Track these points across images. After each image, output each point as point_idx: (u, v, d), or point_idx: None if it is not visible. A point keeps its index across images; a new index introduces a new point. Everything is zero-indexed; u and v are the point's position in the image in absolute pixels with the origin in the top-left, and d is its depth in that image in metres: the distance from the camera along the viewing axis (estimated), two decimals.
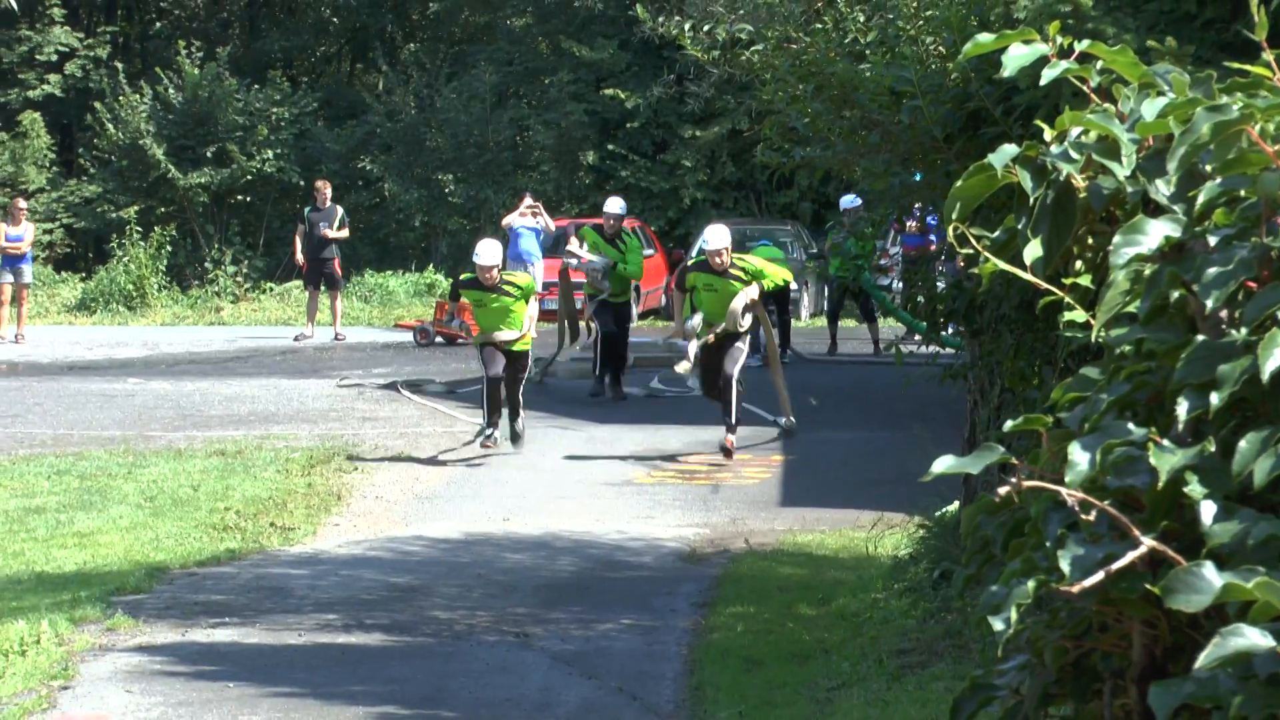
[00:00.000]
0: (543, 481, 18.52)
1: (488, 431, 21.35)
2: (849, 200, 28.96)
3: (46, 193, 44.21)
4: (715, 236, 21.05)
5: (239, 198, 44.71)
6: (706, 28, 16.51)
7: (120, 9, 52.43)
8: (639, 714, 9.60)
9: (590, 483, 18.45)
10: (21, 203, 36.24)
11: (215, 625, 12.07)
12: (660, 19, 20.04)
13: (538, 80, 46.30)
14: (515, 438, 21.51)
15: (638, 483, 18.69)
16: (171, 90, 43.66)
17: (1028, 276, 3.11)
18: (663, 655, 10.98)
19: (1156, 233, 2.97)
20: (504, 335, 21.52)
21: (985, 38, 3.33)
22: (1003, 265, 3.19)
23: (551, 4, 47.68)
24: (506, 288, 21.58)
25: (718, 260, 20.97)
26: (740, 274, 20.28)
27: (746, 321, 21.04)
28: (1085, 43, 3.34)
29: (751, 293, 20.89)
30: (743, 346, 21.24)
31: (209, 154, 43.57)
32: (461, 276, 22.87)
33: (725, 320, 21.34)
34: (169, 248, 42.33)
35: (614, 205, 23.13)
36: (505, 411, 21.67)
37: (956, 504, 11.19)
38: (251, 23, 50.90)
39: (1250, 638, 2.43)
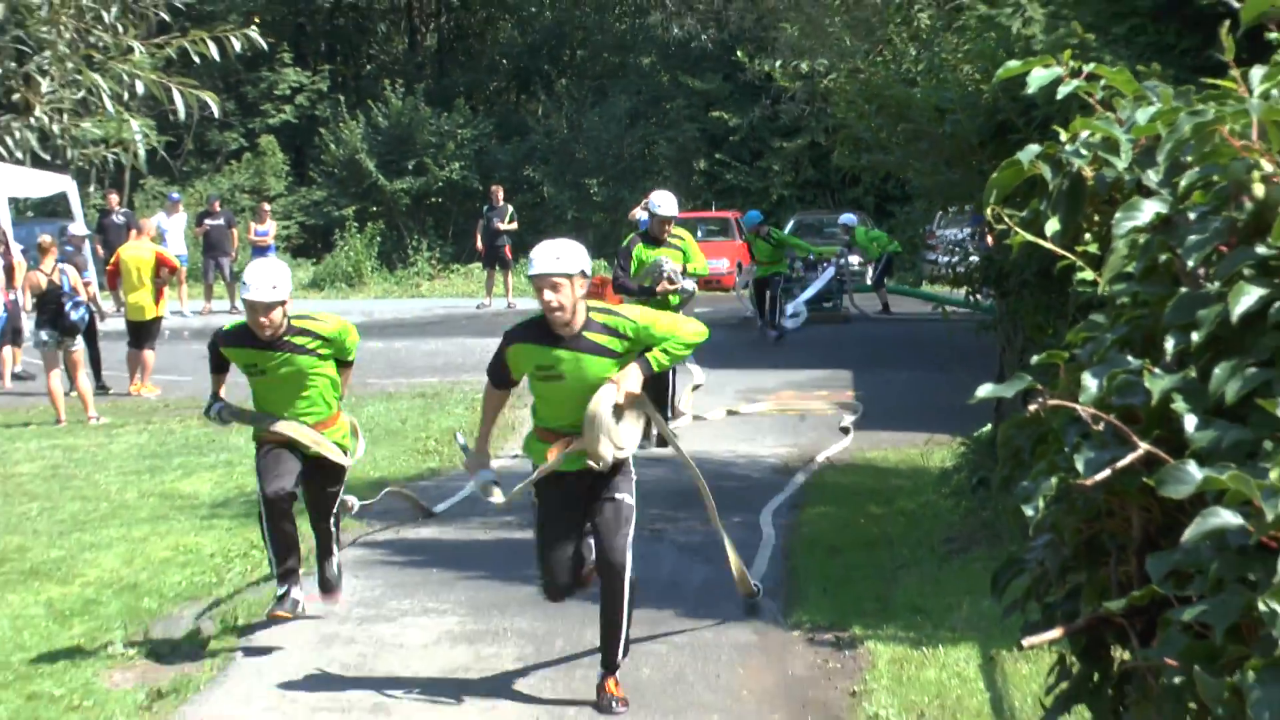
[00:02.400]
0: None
1: (280, 592, 9.33)
2: (847, 217, 31.49)
3: (284, 197, 45.96)
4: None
5: (432, 200, 46.29)
6: (794, 63, 18.13)
7: (338, 54, 53.92)
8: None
9: (709, 419, 18.43)
10: (266, 205, 38.57)
11: (422, 524, 12.62)
12: (755, 59, 21.71)
13: (660, 105, 47.28)
14: (325, 585, 9.80)
15: (743, 414, 18.85)
16: (380, 117, 45.89)
17: (1049, 245, 3.21)
18: (765, 545, 11.28)
19: (1149, 210, 3.03)
20: (289, 429, 9.46)
21: (1014, 64, 3.45)
22: (1029, 237, 3.27)
23: (671, 46, 49.43)
24: (299, 340, 9.45)
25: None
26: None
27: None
28: (1091, 65, 3.44)
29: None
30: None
31: (409, 166, 45.36)
32: (224, 327, 10.28)
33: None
34: (379, 239, 43.81)
35: (669, 205, 15.73)
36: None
37: (990, 425, 11.51)
38: (440, 64, 52.90)
39: (1224, 517, 2.57)
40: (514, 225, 34.12)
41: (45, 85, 6.96)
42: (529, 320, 8.33)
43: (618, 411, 7.88)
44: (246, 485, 13.52)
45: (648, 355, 8.01)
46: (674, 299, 14.35)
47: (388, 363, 24.64)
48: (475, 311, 34.10)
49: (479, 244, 34.89)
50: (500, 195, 34.63)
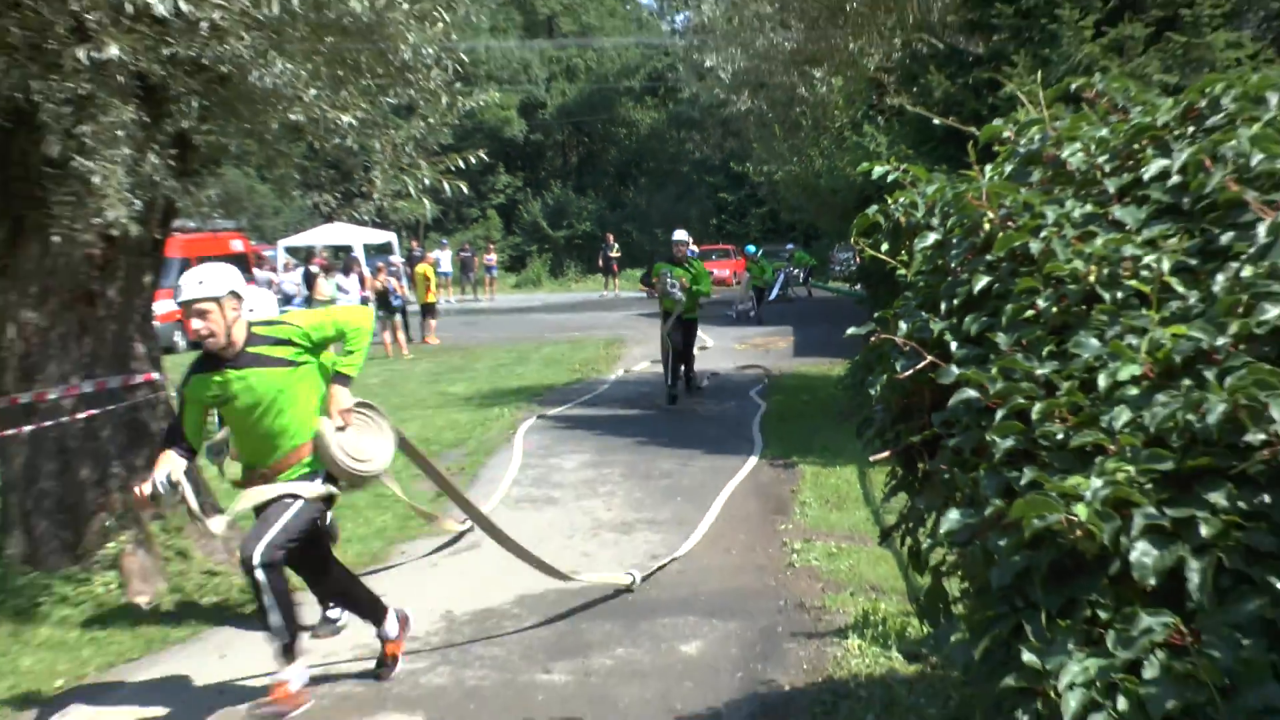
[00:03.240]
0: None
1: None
2: (751, 248, 42.21)
3: (501, 240, 68.24)
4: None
5: (576, 240, 68.36)
6: (761, 167, 32.93)
7: (527, 165, 73.01)
8: (741, 439, 15.83)
9: (719, 353, 26.26)
10: (491, 245, 60.29)
11: (573, 408, 18.79)
12: (742, 166, 42.44)
13: (692, 189, 68.87)
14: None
15: (738, 350, 26.99)
16: (549, 199, 70.54)
17: (884, 258, 4.87)
18: (751, 414, 17.96)
19: (931, 238, 4.50)
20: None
21: (867, 164, 5.29)
22: (875, 254, 5.09)
23: (696, 155, 72.22)
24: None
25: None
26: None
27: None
28: (905, 166, 5.20)
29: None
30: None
31: (564, 224, 69.91)
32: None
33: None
34: (549, 262, 67.34)
35: (681, 235, 19.41)
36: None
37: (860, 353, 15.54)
38: (580, 169, 75.37)
39: (969, 393, 3.83)
40: (618, 254, 53.25)
41: (380, 182, 9.40)
42: (196, 357, 7.20)
43: (349, 430, 7.25)
44: (484, 389, 22.03)
45: (340, 370, 7.23)
46: (666, 302, 18.27)
47: (555, 325, 37.33)
48: (597, 299, 51.41)
49: (600, 263, 55.00)
50: (611, 238, 54.20)
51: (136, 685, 7.65)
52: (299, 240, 42.18)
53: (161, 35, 7.77)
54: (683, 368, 19.70)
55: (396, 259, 39.37)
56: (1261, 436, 3.21)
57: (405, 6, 8.63)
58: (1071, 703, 3.13)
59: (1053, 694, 3.22)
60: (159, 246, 9.90)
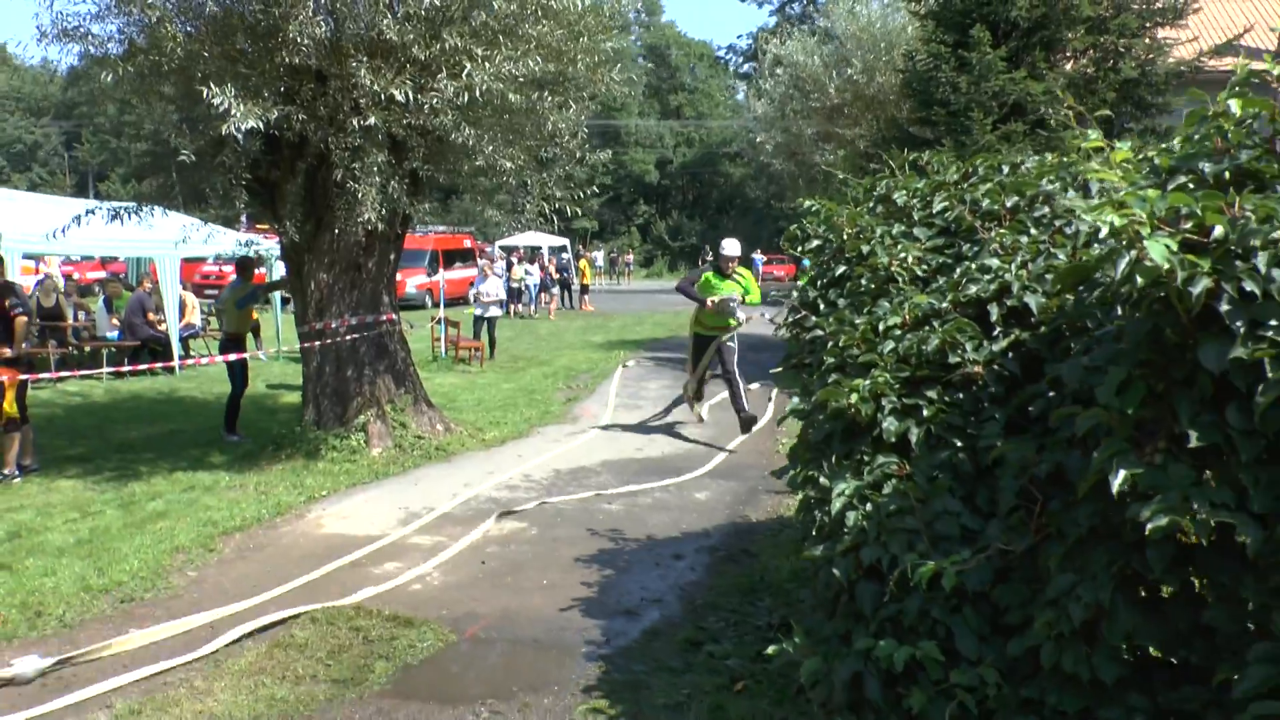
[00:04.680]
0: None
1: None
2: (805, 261, 37.32)
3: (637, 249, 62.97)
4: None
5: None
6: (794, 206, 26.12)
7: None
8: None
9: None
10: (629, 254, 56.83)
11: (664, 352, 16.38)
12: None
13: (748, 215, 62.11)
14: None
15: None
16: (663, 231, 53.41)
17: (796, 254, 5.32)
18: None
19: (815, 243, 4.93)
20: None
21: (800, 199, 5.57)
22: (793, 253, 5.36)
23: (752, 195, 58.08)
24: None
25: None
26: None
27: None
28: (817, 201, 5.36)
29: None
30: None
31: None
32: None
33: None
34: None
35: (732, 248, 11.66)
36: None
37: None
38: (683, 217, 59.42)
39: (817, 331, 4.42)
40: (712, 259, 47.32)
41: (529, 205, 9.78)
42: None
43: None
44: (612, 339, 21.20)
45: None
46: (732, 321, 10.99)
47: (666, 302, 32.73)
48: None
49: (700, 264, 47.62)
50: (708, 248, 47.63)
51: (366, 495, 8.21)
52: (509, 241, 43.57)
53: (401, 111, 8.25)
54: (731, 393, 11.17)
55: (567, 255, 39.69)
56: (956, 359, 3.57)
57: (549, 99, 9.00)
58: (837, 504, 3.54)
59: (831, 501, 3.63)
60: (400, 238, 10.41)
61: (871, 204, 4.97)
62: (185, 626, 5.24)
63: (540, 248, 40.88)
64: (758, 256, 50.58)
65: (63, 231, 8.96)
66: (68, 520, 7.23)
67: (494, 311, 18.23)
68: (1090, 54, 12.50)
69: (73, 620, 5.35)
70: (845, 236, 4.64)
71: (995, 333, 3.63)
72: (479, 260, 36.97)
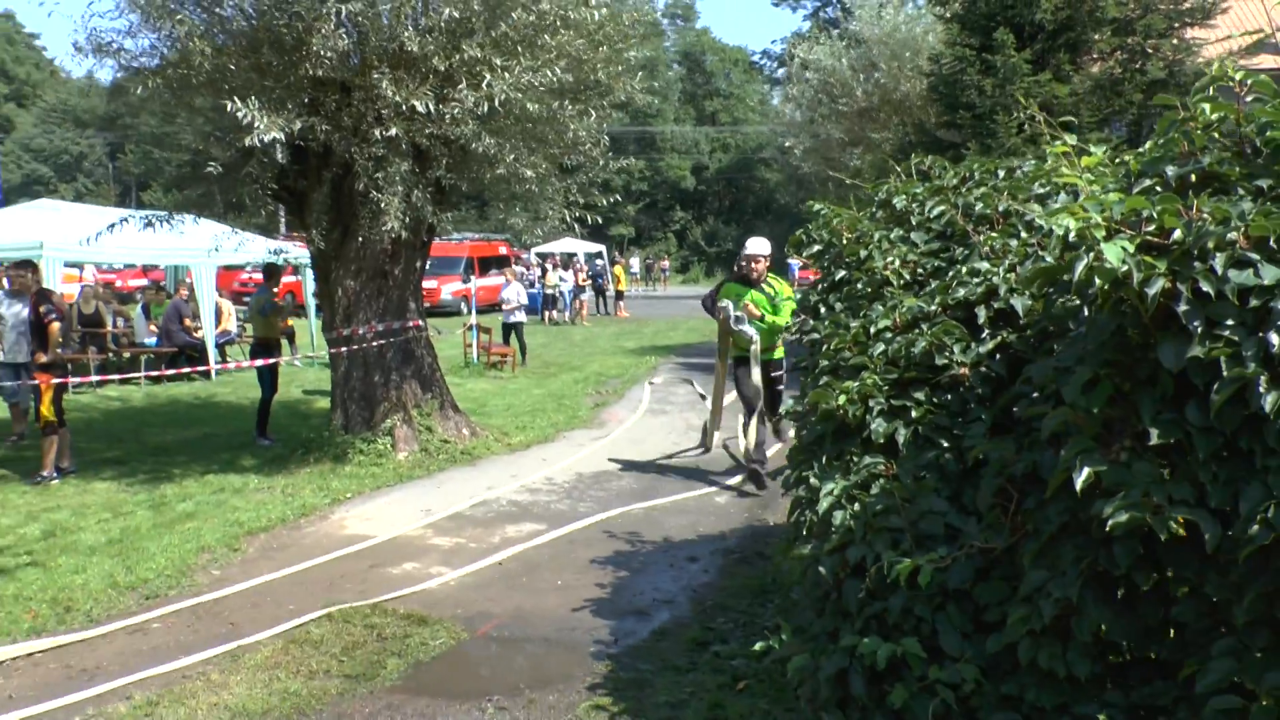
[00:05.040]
0: None
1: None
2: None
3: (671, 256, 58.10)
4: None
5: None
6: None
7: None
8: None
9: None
10: (665, 260, 55.65)
11: (694, 358, 16.45)
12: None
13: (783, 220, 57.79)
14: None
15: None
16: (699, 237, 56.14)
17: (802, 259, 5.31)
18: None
19: (815, 248, 4.98)
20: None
21: (810, 201, 5.59)
22: (799, 258, 5.38)
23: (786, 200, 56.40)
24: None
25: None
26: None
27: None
28: (826, 204, 5.40)
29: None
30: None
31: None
32: None
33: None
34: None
35: (757, 246, 9.00)
36: None
37: None
38: (719, 229, 59.84)
39: (814, 335, 4.50)
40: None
41: (551, 211, 9.89)
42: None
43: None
44: (644, 344, 20.98)
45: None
46: (736, 341, 8.67)
47: (700, 308, 30.67)
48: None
49: (735, 269, 45.03)
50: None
51: (390, 497, 8.36)
52: (545, 248, 43.94)
53: (424, 121, 8.40)
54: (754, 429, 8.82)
55: (601, 261, 39.91)
56: (943, 362, 3.63)
57: (570, 108, 9.11)
58: (824, 503, 3.60)
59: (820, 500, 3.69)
60: (426, 246, 10.59)
61: (874, 209, 5.01)
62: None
63: (575, 254, 41.33)
64: (793, 262, 50.08)
65: (96, 238, 9.21)
66: (100, 520, 7.43)
67: (518, 317, 18.38)
68: (1116, 55, 12.43)
69: (99, 615, 5.52)
70: (845, 241, 4.70)
71: (984, 335, 3.68)
72: (513, 266, 37.50)
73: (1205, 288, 2.45)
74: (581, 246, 42.74)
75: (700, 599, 5.99)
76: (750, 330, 8.46)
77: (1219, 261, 2.48)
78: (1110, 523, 2.53)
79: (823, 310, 4.70)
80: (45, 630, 5.29)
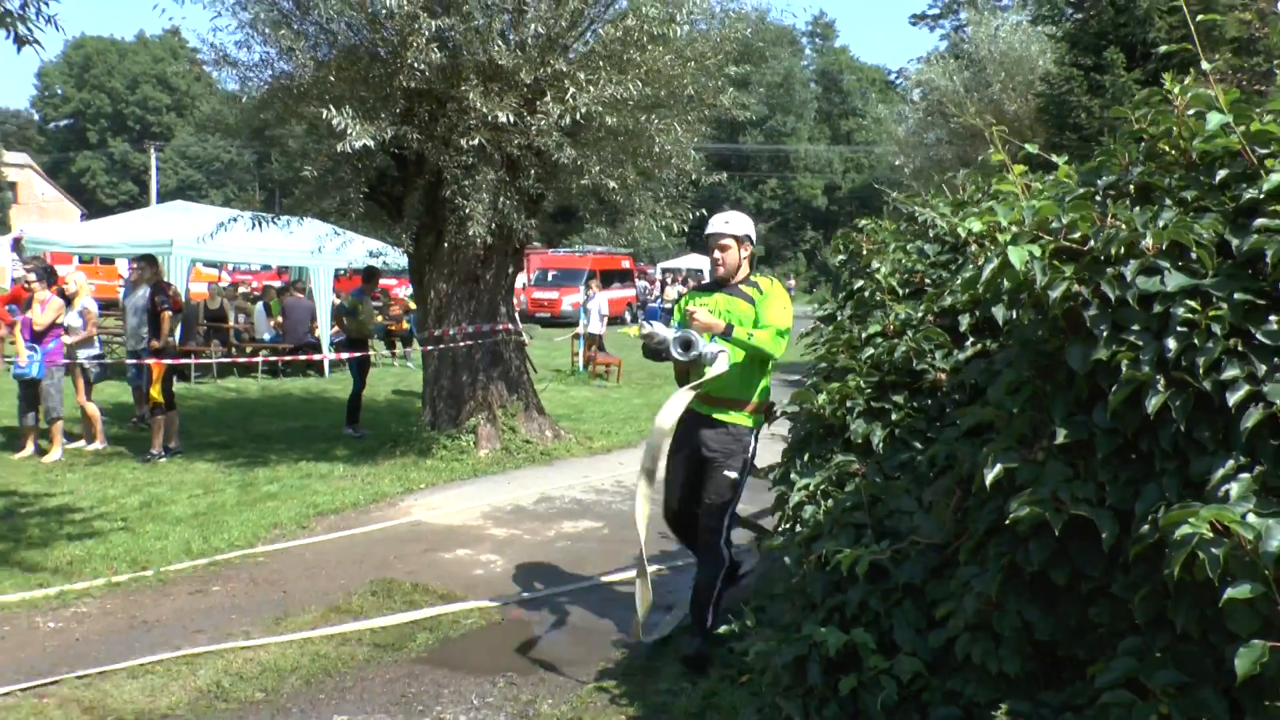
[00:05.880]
0: None
1: None
2: None
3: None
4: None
5: None
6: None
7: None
8: None
9: None
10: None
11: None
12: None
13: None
14: None
15: None
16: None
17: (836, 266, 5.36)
18: None
19: (839, 258, 5.10)
20: None
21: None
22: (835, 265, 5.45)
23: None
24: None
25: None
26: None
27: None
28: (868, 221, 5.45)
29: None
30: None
31: None
32: None
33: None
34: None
35: (718, 224, 5.01)
36: None
37: None
38: None
39: (820, 350, 4.62)
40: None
41: (638, 222, 10.10)
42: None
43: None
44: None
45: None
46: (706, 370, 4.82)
47: None
48: None
49: None
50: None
51: (460, 490, 8.71)
52: (672, 263, 44.65)
53: (513, 132, 8.78)
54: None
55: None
56: (923, 367, 3.75)
57: (656, 122, 9.37)
58: (795, 498, 3.76)
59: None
60: (519, 253, 10.98)
61: (901, 222, 5.11)
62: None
63: (701, 270, 41.90)
64: None
65: (211, 236, 9.91)
66: (192, 496, 8.02)
67: (598, 328, 18.98)
68: (1235, 76, 12.01)
69: (168, 576, 6.02)
70: (865, 251, 4.82)
71: (968, 342, 3.77)
72: (639, 281, 38.10)
73: (1110, 293, 2.55)
74: (706, 263, 43.38)
75: (735, 598, 6.13)
76: (713, 357, 4.75)
77: (1130, 268, 2.56)
78: (1010, 516, 2.64)
79: (839, 318, 4.83)
80: (120, 586, 5.80)
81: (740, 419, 4.93)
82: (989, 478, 2.73)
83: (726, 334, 4.81)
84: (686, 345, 4.82)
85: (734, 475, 4.85)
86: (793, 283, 57.30)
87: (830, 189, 65.12)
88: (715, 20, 9.95)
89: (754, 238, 5.12)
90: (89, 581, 5.81)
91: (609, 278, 34.22)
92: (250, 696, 4.36)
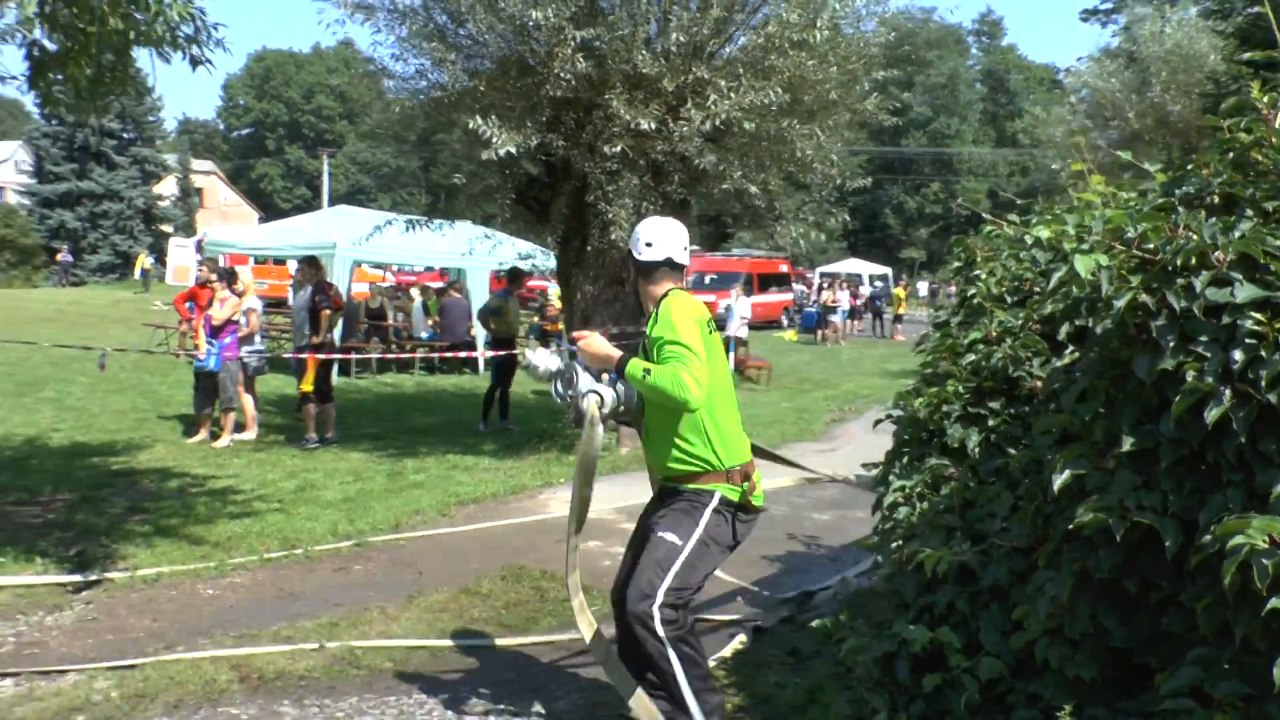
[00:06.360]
0: None
1: None
2: None
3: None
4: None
5: None
6: None
7: None
8: None
9: None
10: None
11: None
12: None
13: None
14: None
15: None
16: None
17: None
18: None
19: (955, 264, 5.12)
20: None
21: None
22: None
23: None
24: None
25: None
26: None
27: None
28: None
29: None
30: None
31: None
32: None
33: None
34: None
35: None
36: None
37: None
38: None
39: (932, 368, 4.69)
40: None
41: (779, 227, 10.20)
42: None
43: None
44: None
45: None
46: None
47: None
48: None
49: None
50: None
51: (597, 484, 8.99)
52: (831, 267, 44.37)
53: (656, 138, 9.06)
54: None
55: (881, 284, 40.25)
56: (1022, 374, 3.81)
57: (798, 127, 9.47)
58: (889, 499, 3.87)
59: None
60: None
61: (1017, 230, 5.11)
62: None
63: (860, 275, 41.53)
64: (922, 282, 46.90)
65: (367, 239, 10.56)
66: (343, 482, 8.61)
67: (739, 332, 19.19)
68: None
69: (314, 554, 6.54)
70: (978, 258, 4.85)
71: (1067, 350, 3.80)
72: (796, 285, 37.97)
73: (1176, 303, 2.59)
74: (867, 268, 42.93)
75: (855, 600, 6.22)
76: (579, 398, 3.77)
77: (1201, 279, 2.60)
78: (1075, 521, 2.71)
79: (950, 325, 4.87)
80: (270, 561, 6.35)
81: (700, 488, 3.71)
82: (1057, 484, 2.80)
83: (620, 369, 3.64)
84: (568, 383, 3.75)
85: (671, 538, 3.62)
86: (953, 289, 55.75)
87: (994, 193, 63.27)
88: (861, 23, 9.99)
89: (665, 254, 3.85)
90: (244, 556, 6.37)
91: (766, 281, 34.25)
92: (379, 665, 4.74)
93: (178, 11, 4.50)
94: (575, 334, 3.90)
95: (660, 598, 3.51)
